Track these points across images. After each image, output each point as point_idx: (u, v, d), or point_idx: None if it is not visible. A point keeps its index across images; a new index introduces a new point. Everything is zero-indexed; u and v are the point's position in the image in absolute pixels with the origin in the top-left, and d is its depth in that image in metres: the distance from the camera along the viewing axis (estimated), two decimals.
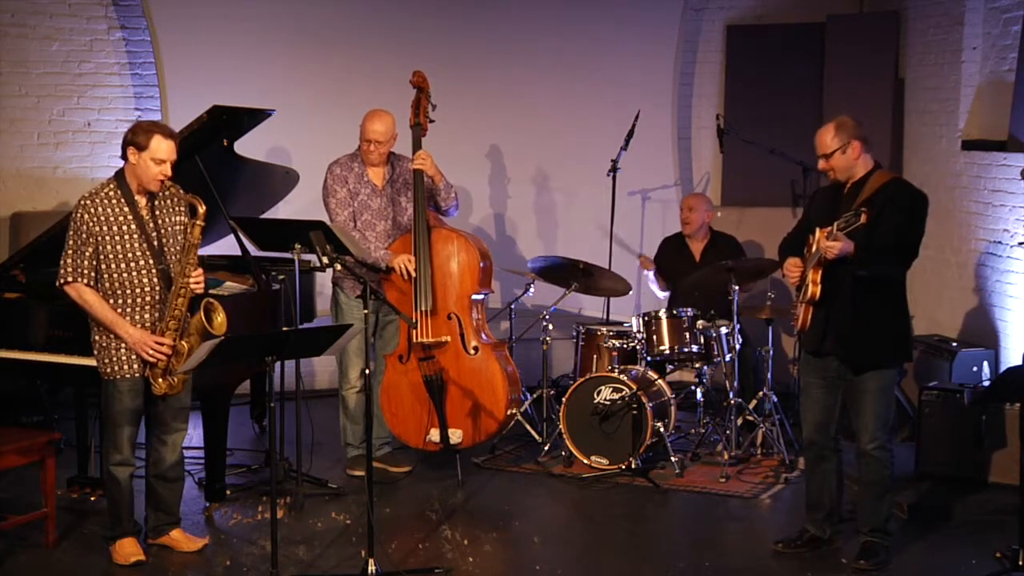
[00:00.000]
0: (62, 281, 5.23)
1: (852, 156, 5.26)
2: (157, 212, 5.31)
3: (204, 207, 5.24)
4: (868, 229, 5.09)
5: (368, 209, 6.58)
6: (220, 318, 5.17)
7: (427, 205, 6.61)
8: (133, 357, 5.24)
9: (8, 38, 8.00)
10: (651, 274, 7.96)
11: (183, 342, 5.21)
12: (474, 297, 6.62)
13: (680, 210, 7.96)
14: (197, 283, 5.24)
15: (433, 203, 6.66)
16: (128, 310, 5.23)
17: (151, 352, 5.19)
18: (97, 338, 5.28)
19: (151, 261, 5.24)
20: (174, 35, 8.17)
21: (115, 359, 5.24)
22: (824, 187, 5.61)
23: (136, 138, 5.21)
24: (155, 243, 5.26)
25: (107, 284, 5.22)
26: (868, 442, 5.33)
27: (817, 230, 5.24)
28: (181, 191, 5.31)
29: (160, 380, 5.24)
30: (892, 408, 5.42)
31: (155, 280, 5.25)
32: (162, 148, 5.19)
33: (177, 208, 5.37)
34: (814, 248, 5.24)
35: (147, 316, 5.25)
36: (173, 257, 5.28)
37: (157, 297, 5.26)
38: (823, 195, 5.54)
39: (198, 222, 5.24)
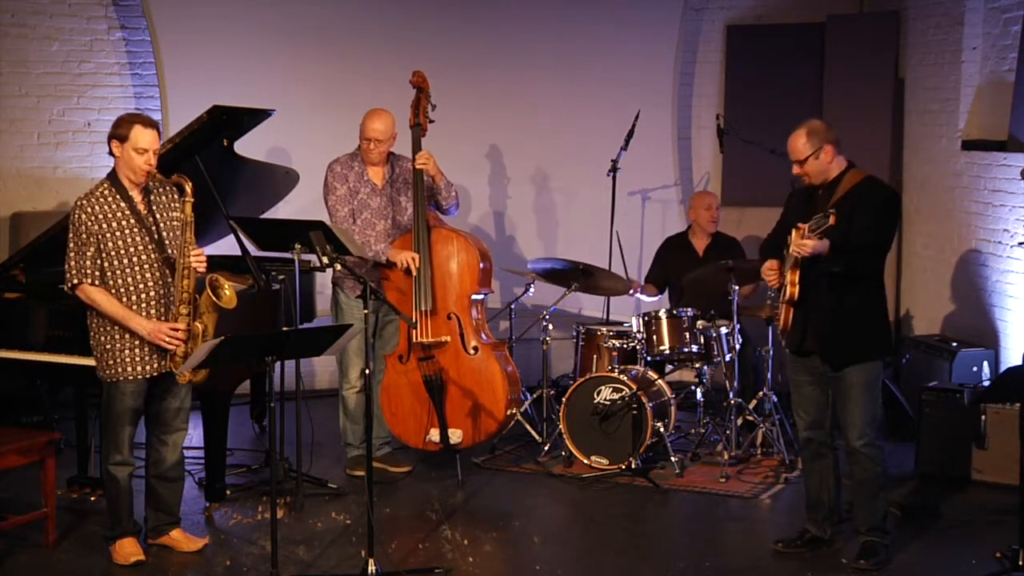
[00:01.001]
0: (69, 285, 5.23)
1: (825, 160, 5.31)
2: (154, 207, 5.31)
3: (191, 184, 5.22)
4: (844, 227, 5.11)
5: (367, 208, 6.59)
6: (228, 292, 5.18)
7: (427, 204, 6.61)
8: (137, 358, 5.24)
9: (8, 38, 8.00)
10: (639, 292, 7.88)
11: (196, 323, 5.21)
12: (474, 297, 6.62)
13: (708, 209, 7.80)
14: (199, 261, 5.23)
15: (434, 202, 6.66)
16: (134, 308, 5.22)
17: (167, 339, 5.19)
18: (102, 339, 5.27)
19: (153, 255, 5.24)
20: (174, 35, 8.16)
21: (119, 360, 5.24)
22: (799, 189, 5.65)
23: (118, 131, 5.23)
24: (155, 236, 5.26)
25: (111, 283, 5.22)
26: (856, 439, 5.34)
27: (793, 231, 5.26)
28: (163, 177, 5.28)
29: (183, 369, 5.22)
30: (879, 404, 5.43)
31: (158, 275, 5.25)
32: (143, 137, 5.20)
33: (173, 204, 5.37)
34: (791, 249, 5.27)
35: (152, 313, 5.25)
36: (174, 250, 5.28)
37: (161, 292, 5.26)
38: (799, 197, 5.58)
39: (188, 199, 5.23)
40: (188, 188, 5.21)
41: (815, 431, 5.50)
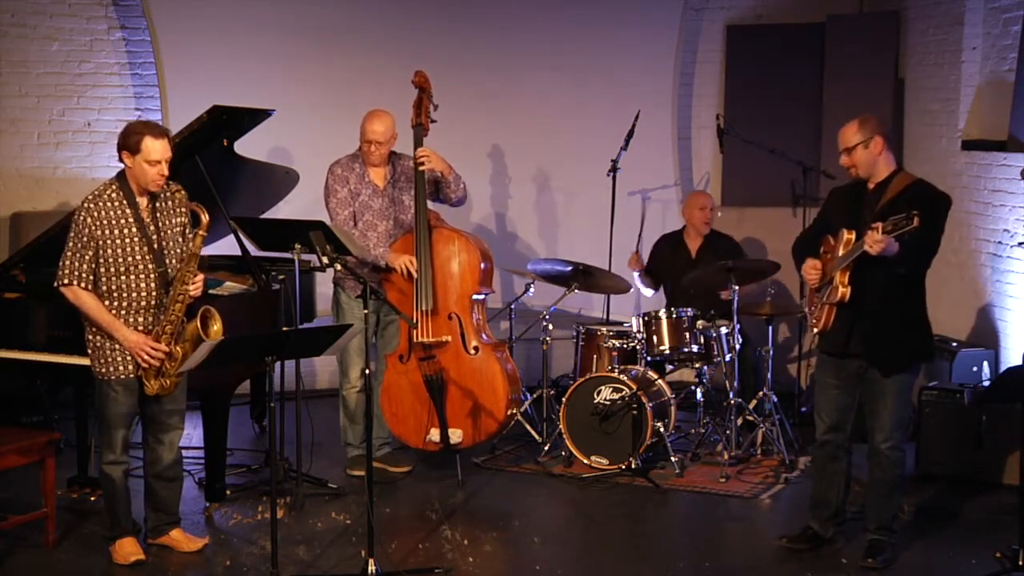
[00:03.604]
0: (59, 283, 5.23)
1: (874, 152, 5.27)
2: (158, 214, 5.30)
3: (207, 217, 5.22)
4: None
5: (369, 209, 6.58)
6: (216, 327, 5.16)
7: (434, 198, 6.63)
8: (128, 357, 5.24)
9: (8, 38, 8.00)
10: (637, 274, 7.93)
11: (177, 347, 5.21)
12: (475, 297, 6.62)
13: (702, 209, 7.80)
14: (196, 290, 5.25)
15: (443, 195, 6.66)
16: (123, 313, 5.22)
17: (147, 357, 5.19)
18: (91, 338, 5.28)
19: (150, 265, 5.23)
20: (174, 35, 8.17)
21: (109, 359, 5.24)
22: (841, 187, 5.59)
23: (128, 141, 5.19)
24: (155, 246, 5.25)
25: (104, 287, 5.22)
26: (883, 441, 5.33)
27: (843, 231, 5.22)
28: (185, 197, 5.29)
29: (152, 381, 5.23)
30: (909, 408, 5.45)
31: (152, 284, 5.24)
32: (155, 148, 5.17)
33: (178, 209, 5.36)
34: (840, 249, 5.22)
35: (141, 319, 5.25)
36: (172, 260, 5.28)
37: (153, 301, 5.25)
38: (842, 195, 5.51)
39: (200, 232, 5.23)
40: (204, 220, 5.20)
41: (834, 434, 5.48)
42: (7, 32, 7.99)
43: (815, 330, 5.44)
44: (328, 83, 8.38)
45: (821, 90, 8.52)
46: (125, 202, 5.23)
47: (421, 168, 6.49)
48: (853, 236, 5.19)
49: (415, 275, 6.46)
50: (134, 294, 5.23)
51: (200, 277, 5.27)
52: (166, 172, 5.21)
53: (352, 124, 6.67)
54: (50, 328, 5.76)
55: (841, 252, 5.23)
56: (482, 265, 6.62)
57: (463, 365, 6.55)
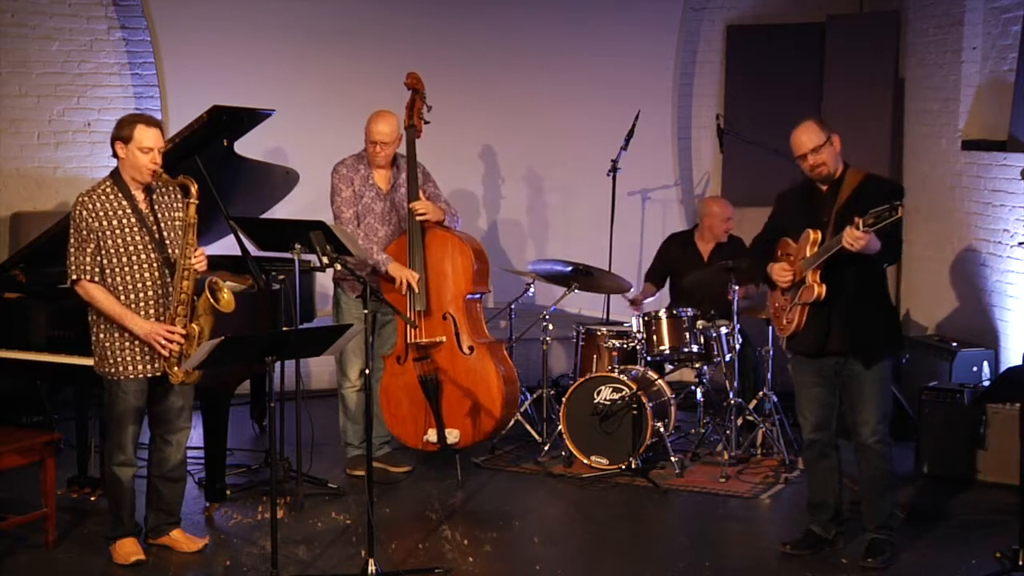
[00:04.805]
0: (70, 281, 5.24)
1: (836, 149, 5.32)
2: (156, 207, 5.31)
3: (196, 185, 5.24)
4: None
5: (371, 212, 6.58)
6: (226, 296, 5.18)
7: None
8: (138, 358, 5.24)
9: (8, 38, 8.00)
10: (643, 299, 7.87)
11: (193, 324, 5.21)
12: (469, 297, 6.62)
13: (726, 220, 7.72)
14: (199, 262, 5.24)
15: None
16: (132, 307, 5.22)
17: (163, 341, 5.19)
18: (101, 337, 5.27)
19: (153, 254, 5.24)
20: (174, 35, 8.16)
21: (119, 360, 5.24)
22: (788, 191, 5.60)
23: (121, 132, 5.23)
24: (156, 235, 5.26)
25: (109, 281, 5.22)
26: (869, 435, 5.33)
27: (808, 231, 5.24)
28: (169, 178, 5.28)
29: (176, 369, 5.23)
30: (890, 400, 5.44)
31: (157, 275, 5.25)
32: (147, 136, 5.20)
33: (175, 204, 5.37)
34: (807, 250, 5.23)
35: (151, 312, 5.25)
36: (175, 250, 5.28)
37: (160, 292, 5.26)
38: (792, 199, 5.52)
39: (192, 200, 5.23)
40: (193, 190, 5.22)
41: (821, 432, 5.48)
42: (7, 32, 7.99)
43: (784, 334, 5.43)
44: (327, 83, 8.38)
45: (821, 90, 8.52)
46: (121, 195, 5.24)
47: (419, 219, 6.48)
48: (819, 236, 5.21)
49: (416, 290, 6.45)
50: (139, 284, 5.23)
51: (201, 250, 5.27)
52: (158, 161, 5.23)
53: (351, 124, 6.67)
54: (50, 328, 5.76)
55: (808, 252, 5.23)
56: (475, 265, 6.61)
57: (458, 365, 6.55)
